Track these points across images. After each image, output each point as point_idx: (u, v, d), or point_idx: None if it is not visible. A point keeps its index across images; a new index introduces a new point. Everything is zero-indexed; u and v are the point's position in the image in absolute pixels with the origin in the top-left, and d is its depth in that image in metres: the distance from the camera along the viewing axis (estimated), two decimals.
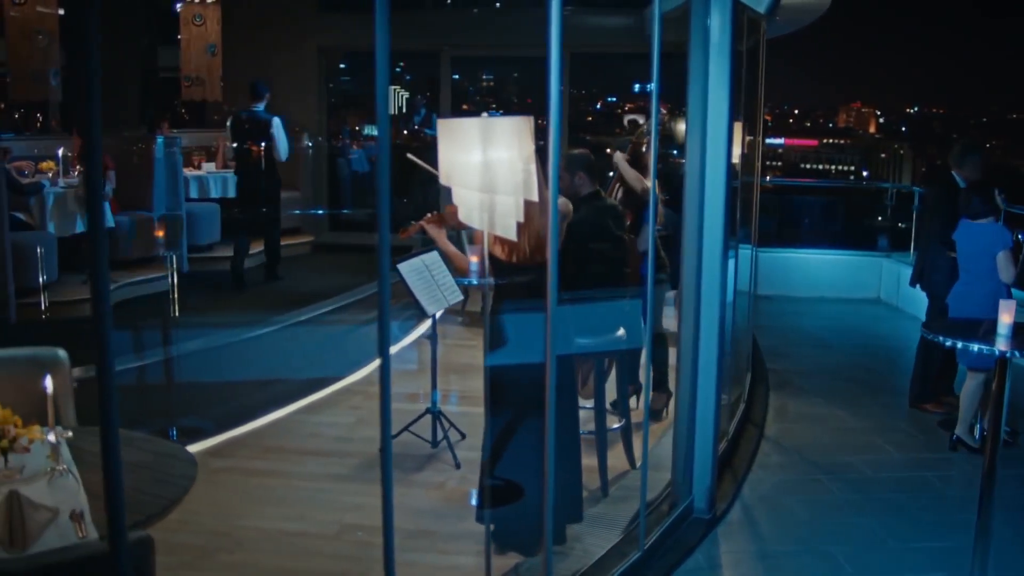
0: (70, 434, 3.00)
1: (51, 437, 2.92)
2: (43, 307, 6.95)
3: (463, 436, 5.49)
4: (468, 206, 3.55)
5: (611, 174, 5.86)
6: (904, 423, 6.09)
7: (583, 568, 4.03)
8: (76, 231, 7.58)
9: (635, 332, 5.27)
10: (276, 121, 8.49)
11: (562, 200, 3.90)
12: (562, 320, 4.17)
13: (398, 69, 14.40)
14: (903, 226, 10.39)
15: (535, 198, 3.56)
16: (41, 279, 7.01)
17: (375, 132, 13.34)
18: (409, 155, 5.78)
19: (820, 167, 64.37)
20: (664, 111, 9.80)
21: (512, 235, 3.56)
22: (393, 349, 7.43)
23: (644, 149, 5.74)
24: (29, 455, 3.11)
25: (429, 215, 4.76)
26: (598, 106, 14.47)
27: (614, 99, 14.59)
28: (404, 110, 14.03)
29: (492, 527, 4.28)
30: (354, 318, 7.41)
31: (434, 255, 5.37)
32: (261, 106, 8.55)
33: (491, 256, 3.99)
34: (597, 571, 3.96)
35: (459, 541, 4.33)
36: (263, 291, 8.50)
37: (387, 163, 2.32)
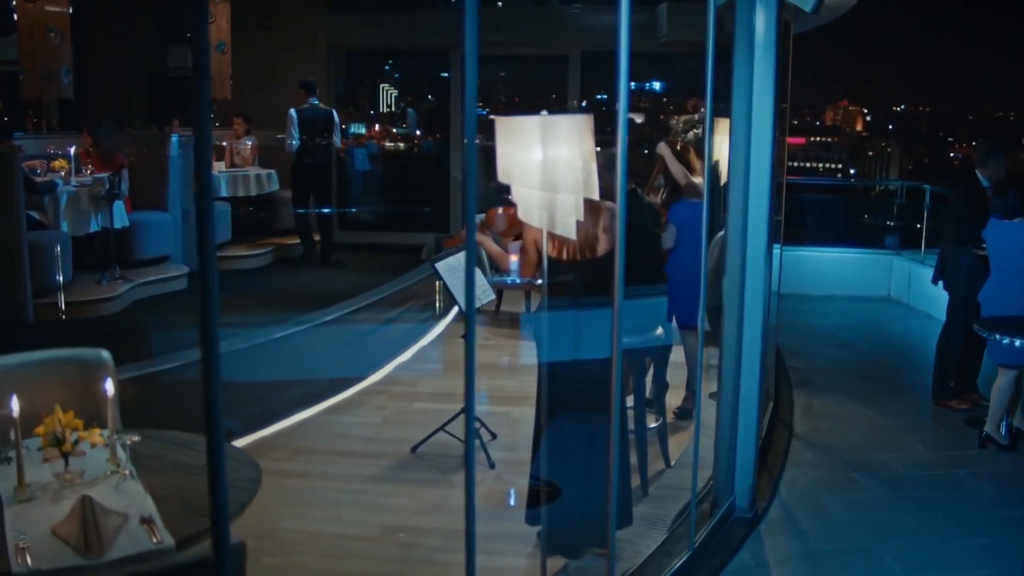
0: (137, 438, 2.95)
1: (128, 440, 2.88)
2: (60, 307, 6.87)
3: (493, 436, 5.46)
4: (527, 204, 3.52)
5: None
6: (929, 420, 6.10)
7: (632, 568, 4.02)
8: (90, 230, 7.51)
9: (667, 330, 5.27)
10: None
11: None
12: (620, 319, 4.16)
13: (387, 67, 14.36)
14: (918, 226, 10.45)
15: (596, 196, 3.55)
16: (58, 279, 6.93)
17: (362, 130, 13.32)
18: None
19: (808, 165, 64.62)
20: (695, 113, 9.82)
21: (572, 233, 3.54)
22: (412, 349, 7.42)
23: (679, 147, 5.73)
24: (87, 458, 3.08)
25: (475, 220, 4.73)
26: (584, 104, 14.37)
27: (603, 96, 14.51)
28: (393, 108, 14.00)
29: (542, 527, 4.27)
30: (372, 317, 7.36)
31: (464, 254, 5.35)
32: (316, 100, 9.19)
33: (541, 254, 3.97)
34: (648, 570, 3.95)
35: (504, 542, 4.31)
36: (278, 291, 8.45)
37: (474, 165, 2.30)
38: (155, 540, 2.62)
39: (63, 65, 7.38)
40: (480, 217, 4.88)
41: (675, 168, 5.62)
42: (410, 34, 10.62)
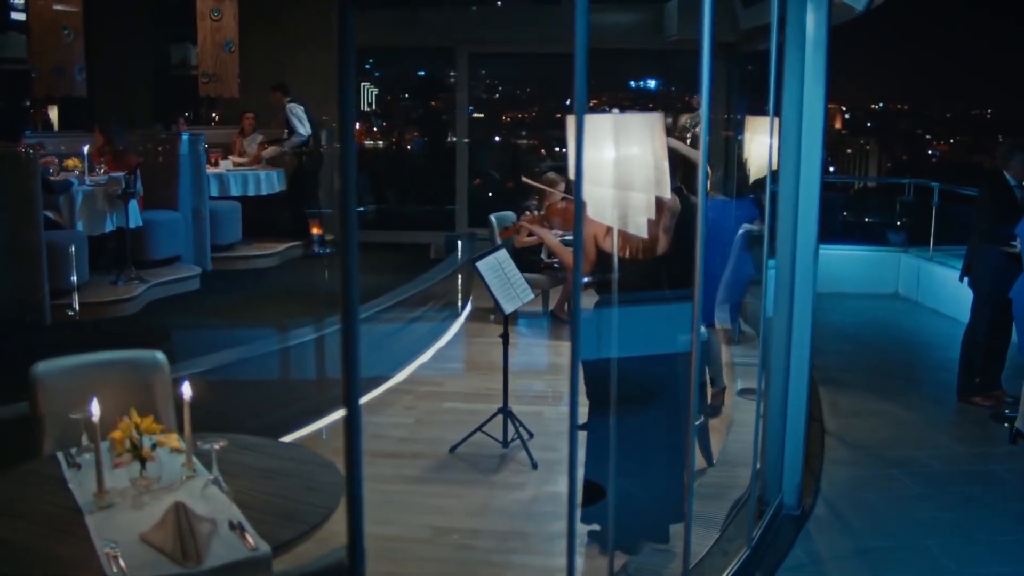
0: (224, 443, 2.91)
1: (215, 446, 2.83)
2: (77, 308, 6.78)
3: (531, 435, 5.44)
4: (599, 202, 3.50)
5: None
6: (956, 416, 6.14)
7: (691, 565, 4.02)
8: (105, 230, 7.41)
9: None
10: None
11: (672, 197, 3.87)
12: (672, 317, 4.16)
13: (367, 66, 14.30)
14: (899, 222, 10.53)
15: (667, 195, 3.54)
16: (75, 280, 6.84)
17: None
18: (524, 178, 5.87)
19: None
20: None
21: (643, 231, 3.53)
22: (433, 349, 7.39)
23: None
24: (162, 463, 3.04)
25: (528, 214, 4.72)
26: (567, 103, 14.37)
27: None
28: (373, 106, 13.95)
29: (596, 527, 4.26)
30: (392, 317, 7.30)
31: (503, 253, 5.33)
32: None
33: (599, 251, 3.95)
34: (710, 568, 3.95)
35: (559, 542, 4.29)
36: (296, 292, 8.38)
37: (581, 167, 2.28)
38: (250, 547, 2.59)
39: (77, 63, 7.28)
40: (528, 213, 4.88)
41: (694, 155, 5.64)
42: (417, 33, 10.58)
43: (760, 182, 6.18)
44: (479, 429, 5.34)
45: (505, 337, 5.32)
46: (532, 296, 5.54)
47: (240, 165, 9.51)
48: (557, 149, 14.18)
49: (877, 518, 4.64)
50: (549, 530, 4.40)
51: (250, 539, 2.60)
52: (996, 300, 6.06)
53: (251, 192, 9.25)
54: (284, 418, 5.59)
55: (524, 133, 14.44)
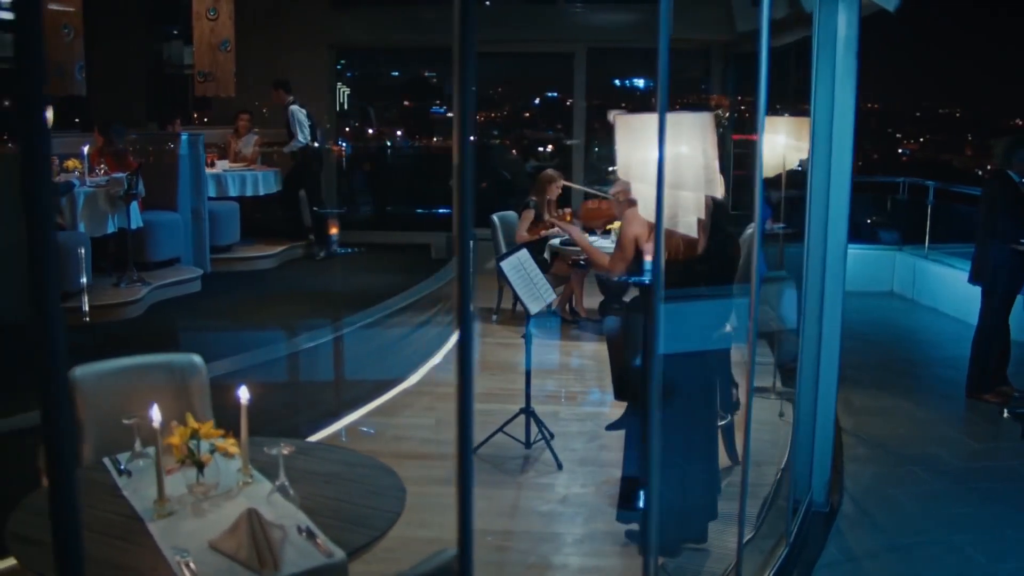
0: (292, 448, 2.88)
1: (282, 451, 2.80)
2: (84, 311, 6.68)
3: (551, 435, 5.43)
4: (647, 201, 3.50)
5: None
6: (968, 413, 6.21)
7: (729, 566, 4.03)
8: (107, 231, 7.31)
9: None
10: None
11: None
12: (707, 314, 4.17)
13: (338, 67, 14.23)
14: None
15: (719, 194, 3.55)
16: (81, 282, 6.74)
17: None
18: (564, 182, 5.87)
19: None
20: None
21: (693, 231, 3.54)
22: (443, 350, 7.36)
23: None
24: (219, 469, 2.99)
25: (560, 212, 4.70)
26: (536, 101, 14.37)
27: (554, 95, 14.54)
28: (346, 107, 13.87)
29: (635, 526, 4.27)
30: (402, 319, 7.27)
31: (525, 253, 5.32)
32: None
33: (639, 253, 3.95)
34: (748, 567, 3.96)
35: (594, 542, 4.29)
36: (299, 293, 8.31)
37: (662, 167, 2.27)
38: (325, 553, 2.56)
39: (77, 62, 7.17)
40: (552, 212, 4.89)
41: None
42: (412, 33, 10.54)
43: (768, 181, 6.22)
44: (501, 429, 5.33)
45: (528, 337, 5.30)
46: (554, 296, 5.53)
47: (236, 166, 9.43)
48: (541, 149, 14.19)
49: (904, 515, 4.68)
50: (583, 531, 4.40)
51: (324, 545, 2.58)
52: (1008, 299, 6.14)
53: (249, 192, 9.17)
54: (304, 421, 5.56)
55: (496, 133, 14.40)
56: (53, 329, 0.82)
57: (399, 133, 13.34)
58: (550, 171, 8.53)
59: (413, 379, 6.68)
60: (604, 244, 7.82)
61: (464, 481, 1.47)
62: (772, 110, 6.73)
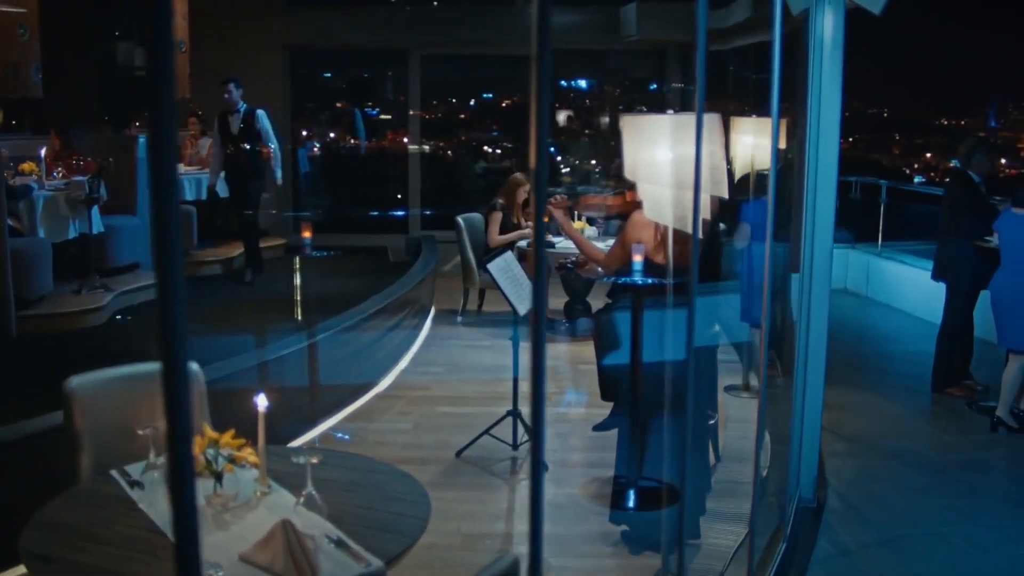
0: (319, 457, 2.83)
1: (311, 460, 2.75)
2: (44, 320, 6.49)
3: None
4: (654, 201, 3.52)
5: None
6: (936, 407, 6.36)
7: (726, 563, 4.09)
8: (68, 237, 7.11)
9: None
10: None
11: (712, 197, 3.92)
12: (704, 315, 4.21)
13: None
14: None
15: (726, 195, 3.58)
16: (41, 289, 6.55)
17: None
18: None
19: None
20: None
21: (699, 232, 3.56)
22: (409, 353, 7.32)
23: None
24: (235, 479, 2.94)
25: (556, 198, 4.71)
26: (472, 103, 14.38)
27: (490, 96, 14.56)
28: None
29: (626, 527, 4.29)
30: (369, 324, 7.21)
31: (510, 255, 5.32)
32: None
33: (653, 263, 3.98)
34: (751, 564, 4.00)
35: (591, 543, 4.31)
36: (264, 298, 8.19)
37: (700, 168, 2.29)
38: (363, 562, 2.52)
39: (33, 62, 6.95)
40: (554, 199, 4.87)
41: None
42: (366, 33, 10.45)
43: (743, 182, 6.30)
44: (487, 432, 5.31)
45: (515, 339, 5.29)
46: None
47: (191, 169, 9.25)
48: (488, 149, 14.17)
49: (889, 508, 4.78)
50: (580, 531, 4.41)
51: (361, 554, 2.54)
52: (971, 295, 6.31)
53: (204, 196, 8.99)
54: (281, 427, 5.46)
55: (437, 134, 14.36)
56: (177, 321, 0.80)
57: (352, 140, 13.22)
58: (519, 175, 8.54)
59: (384, 384, 6.63)
60: (568, 244, 7.85)
61: (535, 493, 1.46)
62: (740, 111, 6.82)
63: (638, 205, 3.78)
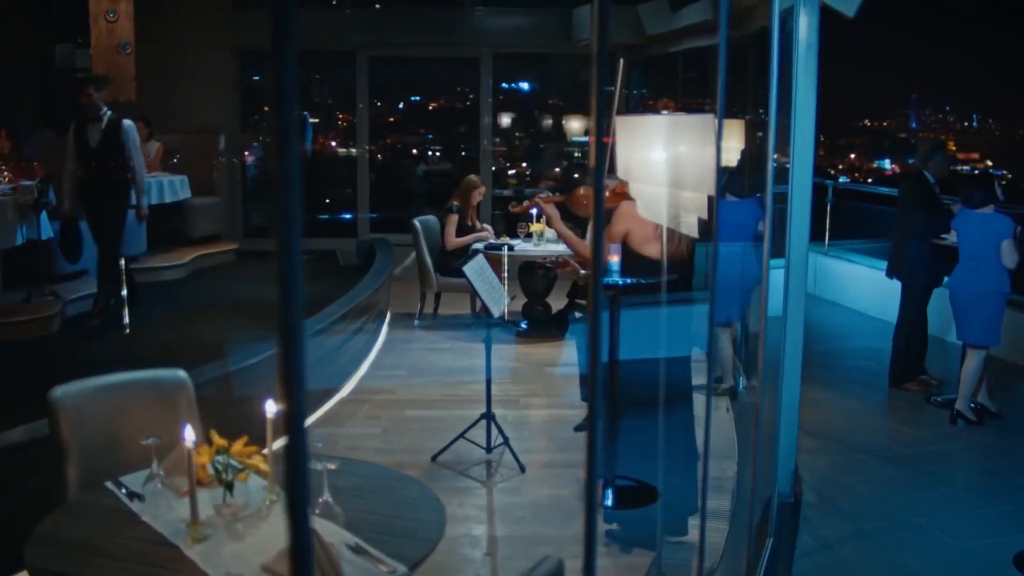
0: (336, 464, 2.78)
1: (328, 467, 2.70)
2: None
3: (506, 439, 5.41)
4: (648, 201, 3.55)
5: None
6: (894, 402, 6.52)
7: (716, 561, 4.13)
8: (15, 243, 6.87)
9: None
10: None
11: None
12: (690, 319, 4.26)
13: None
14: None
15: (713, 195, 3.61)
16: None
17: None
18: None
19: None
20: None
21: (694, 231, 3.60)
22: (369, 357, 7.25)
23: None
24: (247, 488, 2.87)
25: (547, 194, 4.70)
26: (400, 106, 14.34)
27: (417, 99, 14.54)
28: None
29: (615, 526, 4.32)
30: (327, 327, 7.13)
31: (481, 258, 5.31)
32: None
33: (639, 255, 4.00)
34: (735, 560, 4.06)
35: (579, 543, 4.29)
36: (215, 304, 8.03)
37: (720, 167, 2.31)
38: (387, 569, 2.49)
39: None
40: (544, 193, 4.85)
41: None
42: (315, 36, 10.32)
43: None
44: (462, 435, 5.27)
45: (488, 341, 5.27)
46: (509, 299, 5.53)
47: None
48: (430, 152, 14.11)
49: (863, 501, 4.89)
50: (566, 532, 4.41)
51: (384, 560, 2.51)
52: (926, 292, 6.49)
53: (155, 200, 8.78)
54: (254, 436, 5.35)
55: (388, 137, 14.25)
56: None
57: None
58: (473, 176, 8.54)
59: (347, 388, 6.56)
60: (526, 246, 7.86)
61: (590, 500, 1.46)
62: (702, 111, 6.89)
63: (627, 197, 3.81)
